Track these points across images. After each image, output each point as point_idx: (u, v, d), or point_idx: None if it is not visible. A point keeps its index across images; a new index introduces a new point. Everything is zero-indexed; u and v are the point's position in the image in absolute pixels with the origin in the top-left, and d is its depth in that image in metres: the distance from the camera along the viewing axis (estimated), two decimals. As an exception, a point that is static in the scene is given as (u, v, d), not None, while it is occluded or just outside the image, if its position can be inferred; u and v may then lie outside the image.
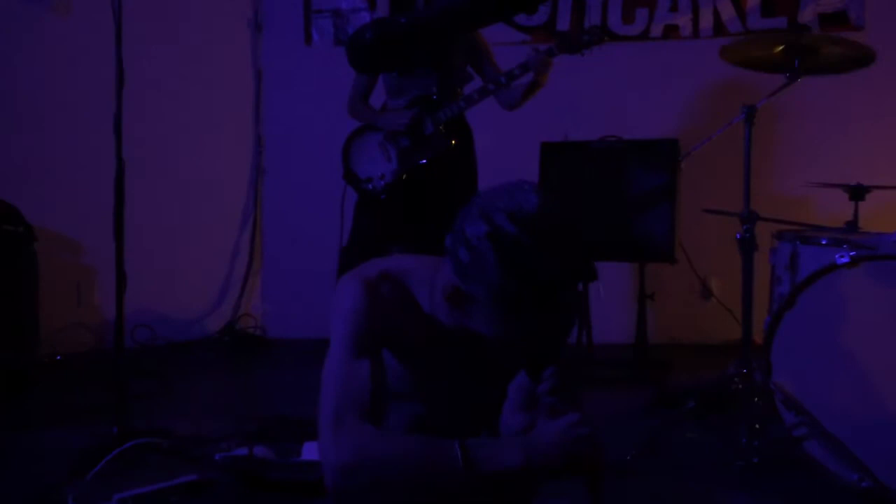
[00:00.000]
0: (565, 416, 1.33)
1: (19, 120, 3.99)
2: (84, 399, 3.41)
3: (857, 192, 2.95)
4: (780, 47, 2.87)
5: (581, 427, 1.31)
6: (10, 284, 3.47)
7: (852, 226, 2.90)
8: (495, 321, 1.34)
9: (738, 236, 2.85)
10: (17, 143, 3.97)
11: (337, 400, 1.36)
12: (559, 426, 1.31)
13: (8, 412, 3.13)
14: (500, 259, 1.28)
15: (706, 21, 4.50)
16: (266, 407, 3.32)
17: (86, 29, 3.85)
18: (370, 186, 3.41)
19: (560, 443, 1.30)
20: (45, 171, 4.03)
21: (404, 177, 3.35)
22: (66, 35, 4.11)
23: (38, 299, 3.62)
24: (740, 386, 3.03)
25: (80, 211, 3.85)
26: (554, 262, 1.28)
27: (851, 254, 2.58)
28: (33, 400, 3.37)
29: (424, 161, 3.33)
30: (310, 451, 2.56)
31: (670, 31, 4.55)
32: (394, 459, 1.30)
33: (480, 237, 1.30)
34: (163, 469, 2.60)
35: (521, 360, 1.42)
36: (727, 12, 4.48)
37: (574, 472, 1.30)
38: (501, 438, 1.38)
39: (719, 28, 4.49)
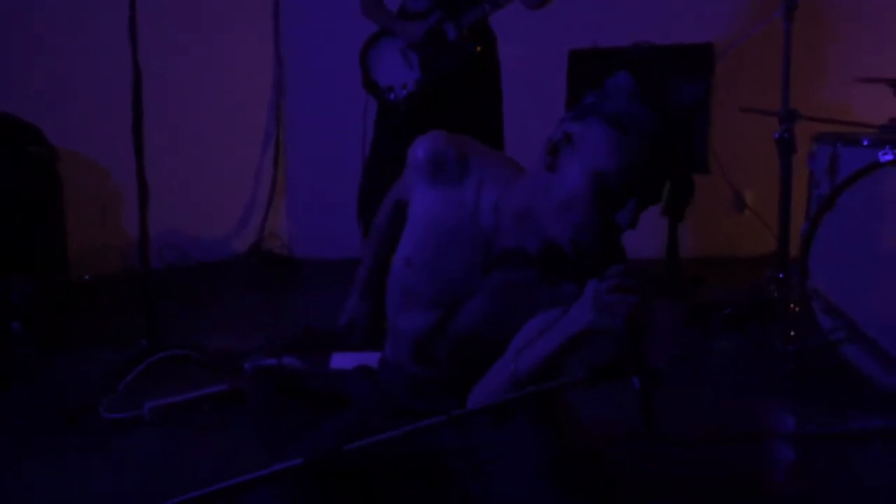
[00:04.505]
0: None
1: (39, 39, 3.93)
2: (115, 319, 3.43)
3: (903, 87, 2.82)
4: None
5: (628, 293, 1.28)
6: (35, 206, 3.45)
7: (896, 122, 2.78)
8: (599, 153, 1.34)
9: (776, 136, 2.76)
10: (38, 62, 3.91)
11: None
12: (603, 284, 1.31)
13: (40, 334, 3.15)
14: (634, 89, 1.34)
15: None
16: (294, 324, 3.32)
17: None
18: (391, 96, 3.31)
19: (595, 297, 1.30)
20: (68, 91, 3.97)
21: (427, 86, 3.25)
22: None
23: (65, 221, 3.61)
24: (776, 294, 2.97)
25: (104, 132, 3.80)
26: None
27: (896, 151, 2.49)
28: (64, 321, 3.39)
29: (449, 69, 3.22)
30: (338, 362, 2.55)
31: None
32: None
33: (615, 81, 1.37)
34: (194, 380, 2.62)
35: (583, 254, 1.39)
36: None
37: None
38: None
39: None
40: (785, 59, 2.75)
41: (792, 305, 2.85)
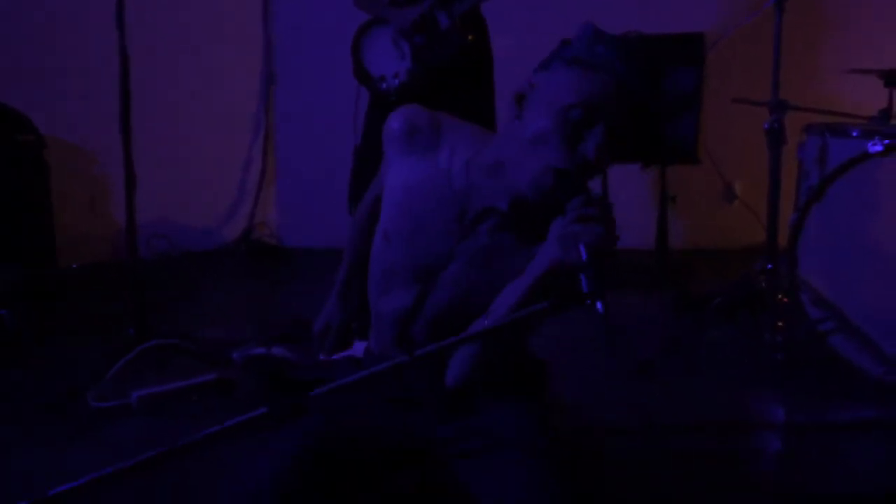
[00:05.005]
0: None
1: (28, 27, 3.90)
2: (103, 308, 3.41)
3: (893, 78, 2.82)
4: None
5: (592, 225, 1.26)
6: (23, 194, 3.44)
7: (886, 113, 2.78)
8: (561, 90, 1.35)
9: (765, 126, 2.76)
10: (26, 50, 3.88)
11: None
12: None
13: (28, 322, 3.13)
14: (590, 33, 1.35)
15: None
16: (284, 313, 3.31)
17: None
18: (384, 86, 3.29)
19: (559, 232, 1.29)
20: (56, 80, 3.94)
21: (419, 76, 3.23)
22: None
23: (52, 209, 3.59)
24: (764, 284, 2.98)
25: (93, 121, 3.79)
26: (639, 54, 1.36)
27: (885, 142, 2.49)
28: (52, 310, 3.38)
29: (440, 59, 3.20)
30: (328, 351, 2.54)
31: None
32: None
33: (578, 30, 1.38)
34: (182, 370, 2.61)
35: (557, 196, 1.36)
36: None
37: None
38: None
39: None
40: (776, 50, 2.75)
41: (781, 296, 2.85)
